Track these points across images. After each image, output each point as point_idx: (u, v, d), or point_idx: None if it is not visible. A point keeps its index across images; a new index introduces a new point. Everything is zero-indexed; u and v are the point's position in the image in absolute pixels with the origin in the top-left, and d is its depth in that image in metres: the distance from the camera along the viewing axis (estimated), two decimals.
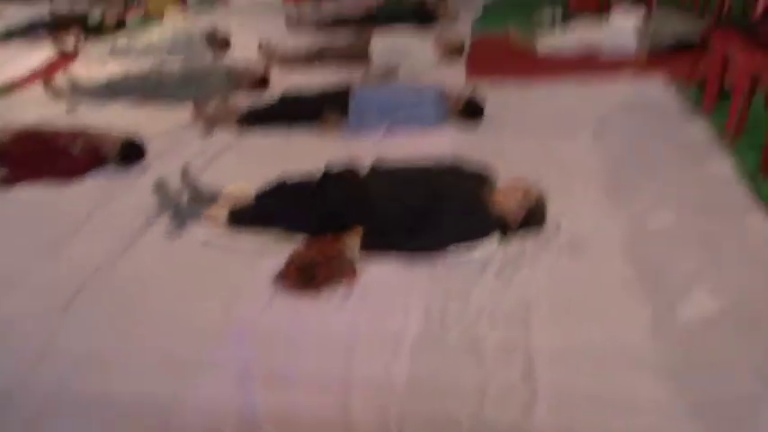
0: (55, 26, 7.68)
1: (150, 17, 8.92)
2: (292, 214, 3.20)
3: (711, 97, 4.75)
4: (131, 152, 4.08)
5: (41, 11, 8.74)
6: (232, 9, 9.54)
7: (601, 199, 3.54)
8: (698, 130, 4.38)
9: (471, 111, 4.66)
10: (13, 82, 6.20)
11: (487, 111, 4.68)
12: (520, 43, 6.82)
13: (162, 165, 4.12)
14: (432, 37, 6.49)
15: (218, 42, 6.88)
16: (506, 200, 3.12)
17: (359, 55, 6.24)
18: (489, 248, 3.04)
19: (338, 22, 7.74)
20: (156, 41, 6.87)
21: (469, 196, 3.12)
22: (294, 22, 7.98)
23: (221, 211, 3.35)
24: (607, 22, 6.79)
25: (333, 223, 3.10)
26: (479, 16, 8.64)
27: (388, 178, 3.30)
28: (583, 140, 4.35)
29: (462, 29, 7.14)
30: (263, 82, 5.54)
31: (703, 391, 2.24)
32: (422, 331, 2.55)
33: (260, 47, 6.49)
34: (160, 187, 3.47)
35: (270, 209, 3.27)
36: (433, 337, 2.52)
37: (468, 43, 6.74)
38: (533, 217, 3.13)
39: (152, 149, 4.29)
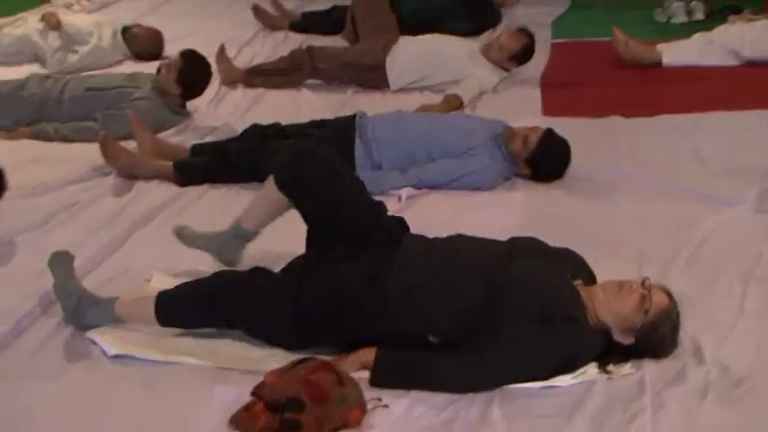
0: None
1: None
2: (259, 307, 2.44)
3: None
4: None
5: None
6: None
7: None
8: None
9: (546, 161, 3.69)
10: None
11: (574, 161, 3.74)
12: (632, 53, 5.59)
13: (48, 236, 3.26)
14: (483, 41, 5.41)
15: (140, 41, 5.49)
16: (613, 302, 2.45)
17: (371, 68, 5.01)
18: (582, 378, 2.42)
19: (339, 18, 6.30)
20: (36, 35, 5.42)
21: (552, 293, 2.47)
22: (269, 17, 6.53)
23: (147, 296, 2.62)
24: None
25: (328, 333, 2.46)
26: (565, 11, 7.35)
27: (422, 259, 2.58)
28: (740, 208, 3.45)
29: (538, 31, 5.75)
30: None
31: None
32: None
33: (219, 54, 5.07)
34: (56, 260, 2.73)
35: (222, 296, 2.50)
36: None
37: (545, 49, 5.60)
38: (656, 333, 2.45)
39: (36, 209, 3.40)
